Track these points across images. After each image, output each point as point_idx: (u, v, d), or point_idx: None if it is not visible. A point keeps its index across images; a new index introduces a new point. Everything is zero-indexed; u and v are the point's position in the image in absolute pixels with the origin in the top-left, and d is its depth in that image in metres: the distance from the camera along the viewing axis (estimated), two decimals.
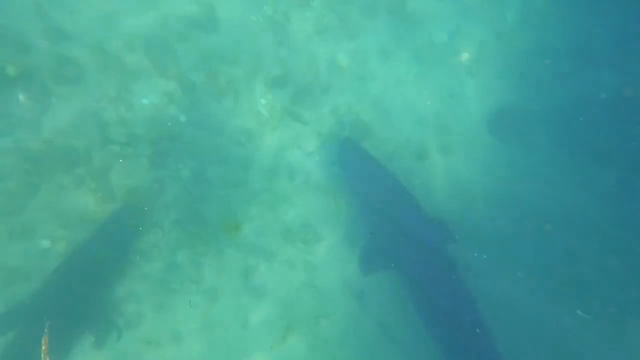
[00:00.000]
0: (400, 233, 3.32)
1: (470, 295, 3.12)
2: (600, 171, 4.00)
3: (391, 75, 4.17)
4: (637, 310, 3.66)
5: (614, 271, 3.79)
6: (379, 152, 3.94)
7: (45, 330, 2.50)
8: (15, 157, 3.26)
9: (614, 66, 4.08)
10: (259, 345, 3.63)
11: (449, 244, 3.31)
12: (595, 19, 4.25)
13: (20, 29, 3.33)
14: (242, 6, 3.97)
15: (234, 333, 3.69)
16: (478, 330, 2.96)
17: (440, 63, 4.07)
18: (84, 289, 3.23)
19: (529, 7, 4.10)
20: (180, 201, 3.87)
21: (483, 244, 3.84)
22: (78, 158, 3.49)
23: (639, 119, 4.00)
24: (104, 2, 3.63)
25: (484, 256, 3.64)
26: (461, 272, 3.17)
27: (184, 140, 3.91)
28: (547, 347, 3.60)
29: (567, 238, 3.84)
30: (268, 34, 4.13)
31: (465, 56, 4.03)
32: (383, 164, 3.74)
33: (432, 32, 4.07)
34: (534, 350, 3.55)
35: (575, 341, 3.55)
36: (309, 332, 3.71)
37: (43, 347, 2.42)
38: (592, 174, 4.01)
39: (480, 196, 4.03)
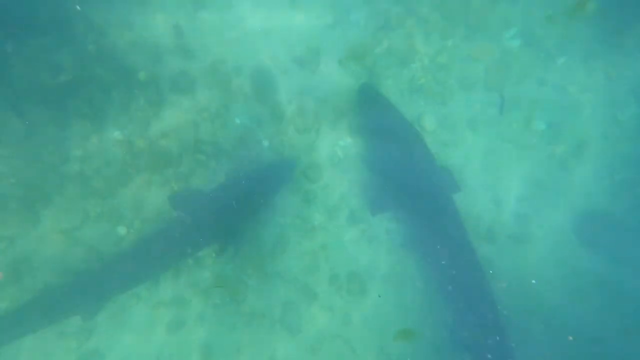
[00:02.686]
0: (409, 178, 3.38)
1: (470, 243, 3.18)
2: None
3: (476, 148, 3.92)
4: None
5: None
6: None
7: None
8: (123, 148, 3.50)
9: None
10: None
11: (455, 192, 3.45)
12: None
13: (157, 43, 3.66)
14: (344, 54, 4.02)
15: None
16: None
17: (532, 150, 3.76)
18: (136, 281, 3.32)
19: None
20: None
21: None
22: (170, 160, 3.65)
23: None
24: (229, 30, 3.87)
25: None
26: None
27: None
28: None
29: None
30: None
31: (561, 149, 3.68)
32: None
33: (530, 118, 3.79)
34: None
35: None
36: None
37: None
38: None
39: (547, 300, 3.53)
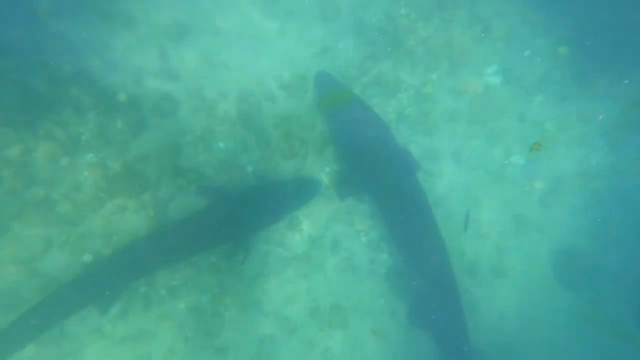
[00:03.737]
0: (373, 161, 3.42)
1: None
2: None
3: (459, 179, 3.91)
4: None
5: None
6: None
7: None
8: (96, 172, 3.26)
9: None
10: None
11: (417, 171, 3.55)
12: None
13: (140, 65, 3.49)
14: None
15: None
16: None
17: (511, 183, 3.77)
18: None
19: (619, 155, 3.78)
20: (224, 246, 3.78)
21: None
22: (148, 185, 3.43)
23: None
24: (215, 54, 3.78)
25: None
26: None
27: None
28: None
29: None
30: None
31: (539, 185, 3.71)
32: None
33: (509, 152, 3.82)
34: None
35: None
36: None
37: None
38: None
39: (524, 336, 3.45)
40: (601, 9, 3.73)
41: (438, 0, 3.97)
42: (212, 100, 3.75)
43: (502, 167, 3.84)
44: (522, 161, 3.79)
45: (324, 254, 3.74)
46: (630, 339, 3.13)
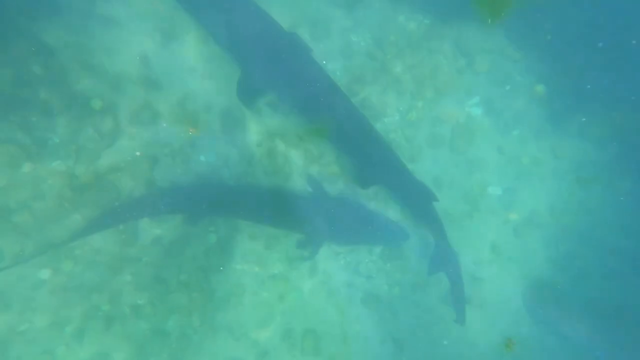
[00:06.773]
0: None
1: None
2: None
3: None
4: None
5: None
6: (405, 279, 3.60)
7: None
8: (62, 181, 2.99)
9: None
10: None
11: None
12: None
13: (120, 71, 3.26)
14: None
15: None
16: None
17: (488, 214, 3.80)
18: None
19: (586, 193, 3.88)
20: (196, 264, 3.53)
21: None
22: (119, 197, 3.19)
23: None
24: (202, 65, 3.58)
25: None
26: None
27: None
28: None
29: None
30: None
31: (514, 216, 3.77)
32: None
33: (488, 182, 3.86)
34: None
35: None
36: None
37: None
38: None
39: None
40: (578, 52, 3.91)
41: (425, 31, 4.07)
42: (194, 112, 3.55)
43: (479, 197, 3.88)
44: (499, 192, 3.85)
45: (301, 275, 3.59)
46: None
